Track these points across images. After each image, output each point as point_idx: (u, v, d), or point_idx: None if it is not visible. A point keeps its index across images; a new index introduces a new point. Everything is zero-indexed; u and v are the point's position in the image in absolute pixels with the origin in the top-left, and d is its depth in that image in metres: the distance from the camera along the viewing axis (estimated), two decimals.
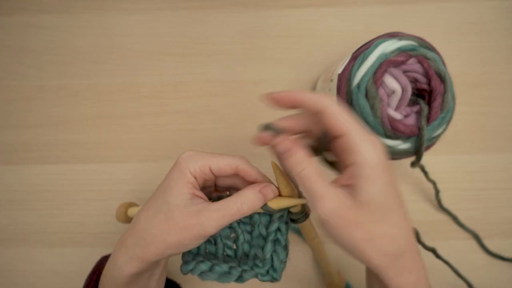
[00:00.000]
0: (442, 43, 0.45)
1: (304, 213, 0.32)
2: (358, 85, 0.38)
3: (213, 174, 0.31)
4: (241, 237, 0.33)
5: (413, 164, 0.41)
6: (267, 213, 0.31)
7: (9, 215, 0.50)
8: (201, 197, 0.30)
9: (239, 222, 0.33)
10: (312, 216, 0.33)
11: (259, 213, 0.32)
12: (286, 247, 0.32)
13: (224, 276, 0.31)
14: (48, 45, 0.53)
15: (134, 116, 0.52)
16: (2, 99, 0.52)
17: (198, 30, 0.53)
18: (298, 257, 0.49)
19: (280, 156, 0.28)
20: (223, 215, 0.28)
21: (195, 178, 0.30)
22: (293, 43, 0.53)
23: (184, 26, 0.54)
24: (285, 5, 0.54)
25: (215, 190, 0.35)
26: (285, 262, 0.32)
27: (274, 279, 0.31)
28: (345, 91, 0.39)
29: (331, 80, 0.43)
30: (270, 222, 0.32)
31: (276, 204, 0.30)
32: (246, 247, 0.33)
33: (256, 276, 0.31)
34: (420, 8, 0.53)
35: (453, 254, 0.49)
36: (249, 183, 0.31)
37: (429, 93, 0.39)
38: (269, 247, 0.31)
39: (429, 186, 0.48)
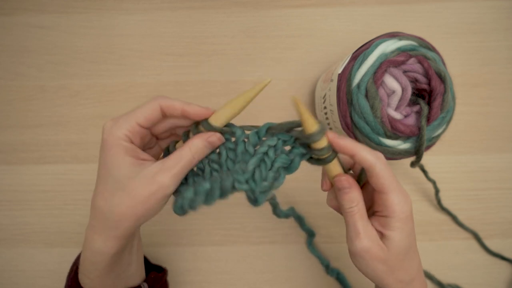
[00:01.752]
0: (442, 43, 0.45)
1: (332, 149, 0.30)
2: (358, 85, 0.38)
3: (144, 128, 0.30)
4: (224, 153, 0.31)
5: (413, 164, 0.41)
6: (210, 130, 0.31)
7: (9, 215, 0.50)
8: (147, 159, 0.30)
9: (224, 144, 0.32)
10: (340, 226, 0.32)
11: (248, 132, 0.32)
12: (276, 172, 0.30)
13: (209, 195, 0.29)
14: (48, 45, 0.53)
15: None
16: (2, 99, 0.52)
17: (198, 30, 0.53)
18: (297, 259, 0.49)
19: (338, 190, 0.31)
20: (178, 170, 0.29)
21: (131, 142, 0.30)
22: (293, 43, 0.53)
23: (184, 26, 0.54)
24: (285, 5, 0.54)
25: (157, 139, 0.34)
26: (269, 186, 0.30)
27: (252, 193, 0.29)
28: (345, 91, 0.39)
29: (331, 80, 0.43)
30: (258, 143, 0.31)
31: (217, 118, 0.31)
32: (230, 164, 0.31)
33: (233, 184, 0.29)
34: (420, 8, 0.53)
35: (453, 254, 0.49)
36: (182, 117, 0.31)
37: (429, 93, 0.39)
38: (253, 160, 0.30)
39: (429, 186, 0.48)
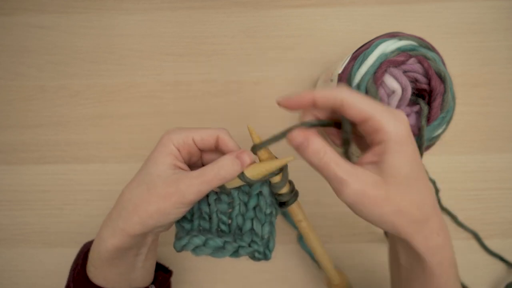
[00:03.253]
0: (442, 43, 0.45)
1: (293, 192, 0.32)
2: (358, 85, 0.38)
3: (196, 146, 0.32)
4: (236, 208, 0.33)
5: None
6: (247, 184, 0.31)
7: (9, 215, 0.50)
8: (183, 169, 0.31)
9: (238, 191, 0.33)
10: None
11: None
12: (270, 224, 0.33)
13: (218, 251, 0.31)
14: (48, 45, 0.53)
15: (134, 116, 0.52)
16: (2, 99, 0.52)
17: (198, 30, 0.53)
18: (293, 257, 0.49)
19: (298, 150, 0.27)
20: (201, 181, 0.29)
21: (179, 150, 0.31)
22: (293, 43, 0.53)
23: (184, 26, 0.54)
24: (285, 5, 0.54)
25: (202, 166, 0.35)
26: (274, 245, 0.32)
27: (266, 258, 0.32)
28: None
29: (331, 80, 0.43)
30: (250, 196, 0.33)
31: (253, 171, 0.30)
32: (240, 220, 0.33)
33: (252, 253, 0.31)
34: (420, 8, 0.54)
35: None
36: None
37: (429, 93, 0.39)
38: (267, 227, 0.32)
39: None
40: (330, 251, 0.49)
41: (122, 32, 0.53)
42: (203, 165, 0.35)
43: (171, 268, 0.41)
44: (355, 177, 0.25)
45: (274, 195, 0.33)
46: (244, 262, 0.49)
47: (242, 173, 0.31)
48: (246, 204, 0.33)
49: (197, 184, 0.29)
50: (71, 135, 0.51)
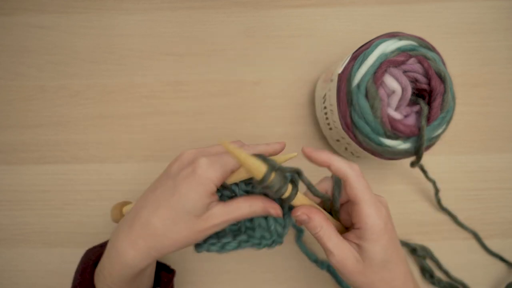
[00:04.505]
0: (442, 43, 0.45)
1: (278, 176, 0.30)
2: (358, 85, 0.38)
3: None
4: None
5: (413, 164, 0.41)
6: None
7: (9, 215, 0.50)
8: (215, 199, 0.32)
9: (238, 188, 0.34)
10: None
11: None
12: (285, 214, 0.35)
13: (235, 249, 0.34)
14: (48, 45, 0.53)
15: (134, 116, 0.52)
16: (2, 99, 0.52)
17: (198, 30, 0.53)
18: (294, 257, 0.49)
19: (302, 223, 0.33)
20: (235, 217, 0.32)
21: (216, 186, 0.31)
22: (293, 43, 0.53)
23: (184, 26, 0.54)
24: (285, 5, 0.54)
25: None
26: (287, 225, 0.35)
27: (279, 243, 0.34)
28: (345, 91, 0.39)
29: (331, 80, 0.43)
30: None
31: (233, 178, 0.32)
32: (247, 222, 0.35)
33: (262, 247, 0.34)
34: (420, 8, 0.54)
35: (453, 254, 0.49)
36: None
37: (429, 93, 0.39)
38: (271, 221, 0.34)
39: (429, 186, 0.48)
40: None
41: (122, 32, 0.53)
42: None
43: (174, 267, 0.41)
44: (339, 251, 0.31)
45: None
46: (244, 262, 0.49)
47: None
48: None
49: (231, 219, 0.32)
50: (71, 135, 0.51)
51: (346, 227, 0.35)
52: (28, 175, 0.51)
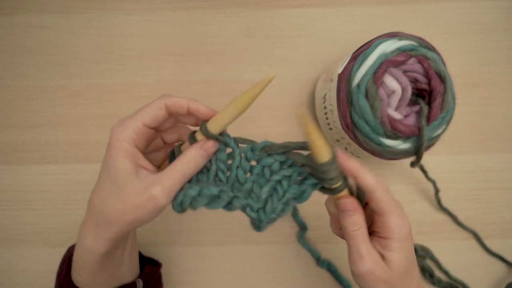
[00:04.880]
0: (442, 43, 0.45)
1: (342, 177, 0.30)
2: (358, 85, 0.38)
3: (151, 128, 0.31)
4: (237, 158, 0.31)
5: (413, 164, 0.41)
6: (213, 138, 0.30)
7: (9, 215, 0.50)
8: (146, 168, 0.30)
9: (238, 145, 0.31)
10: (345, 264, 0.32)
11: (271, 156, 0.31)
12: (286, 204, 0.31)
13: (214, 201, 0.29)
14: (48, 45, 0.53)
15: None
16: (2, 99, 0.52)
17: (198, 30, 0.53)
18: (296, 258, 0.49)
19: (343, 212, 0.31)
20: (173, 182, 0.29)
21: (135, 145, 0.30)
22: (293, 43, 0.53)
23: (184, 26, 0.54)
24: (285, 5, 0.54)
25: (164, 144, 0.35)
26: (276, 218, 0.31)
27: (259, 222, 0.30)
28: (345, 91, 0.39)
29: (331, 80, 0.43)
30: (273, 170, 0.31)
31: (214, 123, 0.30)
32: (240, 173, 0.31)
33: (244, 207, 0.30)
34: (420, 8, 0.54)
35: (453, 254, 0.49)
36: (188, 114, 0.31)
37: (429, 93, 0.39)
38: (267, 188, 0.31)
39: (429, 186, 0.48)
40: (330, 251, 0.49)
41: (122, 32, 0.53)
42: (164, 142, 0.34)
43: (171, 270, 0.41)
44: (371, 258, 0.30)
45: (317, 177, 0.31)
46: (244, 262, 0.49)
47: (205, 127, 0.30)
48: (248, 160, 0.31)
49: (170, 186, 0.28)
50: (71, 135, 0.51)
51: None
52: (28, 175, 0.51)
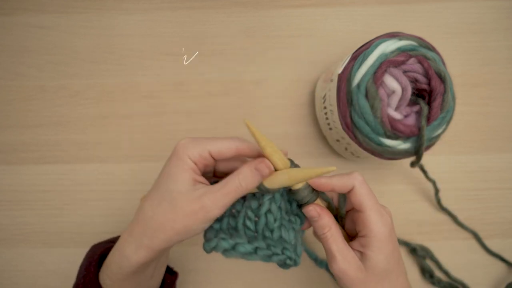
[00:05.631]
0: (442, 43, 0.45)
1: (310, 187, 0.32)
2: (358, 85, 0.38)
3: (213, 158, 0.31)
4: (266, 204, 0.32)
5: (413, 164, 0.41)
6: (263, 192, 0.31)
7: (9, 215, 0.50)
8: (202, 182, 0.31)
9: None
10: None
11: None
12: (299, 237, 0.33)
13: (249, 255, 0.31)
14: (48, 45, 0.53)
15: (134, 116, 0.52)
16: (2, 99, 0.52)
17: (198, 30, 0.53)
18: None
19: (310, 220, 0.32)
20: (224, 194, 0.29)
21: (195, 163, 0.31)
22: (293, 43, 0.53)
23: (184, 26, 0.54)
24: (285, 5, 0.54)
25: (213, 175, 0.35)
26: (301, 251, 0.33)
27: (295, 265, 0.32)
28: (345, 91, 0.39)
29: (331, 80, 0.43)
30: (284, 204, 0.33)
31: (272, 181, 0.30)
32: (270, 218, 0.31)
33: (284, 260, 0.31)
34: (420, 8, 0.54)
35: (453, 254, 0.49)
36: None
37: (429, 93, 0.39)
38: (292, 233, 0.32)
39: (429, 186, 0.48)
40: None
41: (122, 32, 0.53)
42: (214, 173, 0.35)
43: (175, 269, 0.41)
44: (343, 257, 0.31)
45: (294, 199, 0.33)
46: (244, 262, 0.49)
47: (262, 184, 0.31)
48: (276, 204, 0.32)
49: (221, 197, 0.29)
50: (71, 135, 0.51)
51: (350, 237, 0.35)
52: (28, 175, 0.51)
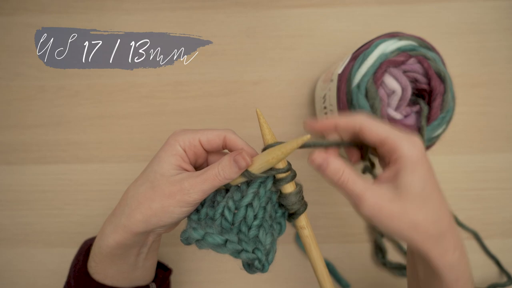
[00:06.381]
0: (442, 43, 0.45)
1: (303, 201, 0.32)
2: (358, 85, 0.38)
3: (203, 147, 0.32)
4: (250, 196, 0.31)
5: None
6: (248, 178, 0.30)
7: (9, 215, 0.50)
8: (188, 170, 0.31)
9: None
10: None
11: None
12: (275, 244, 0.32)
13: (218, 247, 0.30)
14: None
15: (134, 116, 0.52)
16: (2, 99, 0.52)
17: (198, 30, 0.53)
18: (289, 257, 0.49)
19: (318, 170, 0.29)
20: (204, 179, 0.29)
21: (185, 151, 0.31)
22: (293, 43, 0.53)
23: (184, 26, 0.54)
24: (285, 5, 0.54)
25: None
26: (273, 258, 0.32)
27: (262, 269, 0.30)
28: (345, 91, 0.39)
29: (331, 80, 0.43)
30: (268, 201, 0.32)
31: (255, 165, 0.30)
32: (250, 213, 0.30)
33: (253, 260, 0.30)
34: (420, 8, 0.54)
35: None
36: None
37: (429, 93, 0.39)
38: (269, 238, 0.31)
39: None
40: (330, 251, 0.49)
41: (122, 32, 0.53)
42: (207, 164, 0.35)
43: (170, 267, 0.41)
44: (371, 193, 0.27)
45: (282, 205, 0.32)
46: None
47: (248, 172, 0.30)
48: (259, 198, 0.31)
49: (200, 183, 0.29)
50: (71, 135, 0.51)
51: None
52: (28, 175, 0.51)
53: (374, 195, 0.27)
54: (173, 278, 0.47)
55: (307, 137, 0.28)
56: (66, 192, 0.50)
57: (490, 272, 0.49)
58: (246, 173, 0.30)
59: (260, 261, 0.30)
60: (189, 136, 0.31)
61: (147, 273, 0.36)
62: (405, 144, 0.28)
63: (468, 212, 0.49)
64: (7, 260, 0.49)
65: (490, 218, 0.50)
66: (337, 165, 0.28)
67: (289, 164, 0.32)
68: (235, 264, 0.48)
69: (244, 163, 0.29)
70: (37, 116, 0.52)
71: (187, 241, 0.31)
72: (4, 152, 0.51)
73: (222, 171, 0.29)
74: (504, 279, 0.48)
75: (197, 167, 0.34)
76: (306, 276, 0.48)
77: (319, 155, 0.29)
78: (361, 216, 0.29)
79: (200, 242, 0.30)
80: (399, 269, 0.48)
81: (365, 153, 0.33)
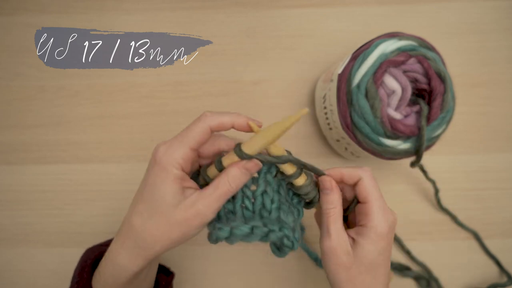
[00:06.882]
0: (442, 43, 0.45)
1: (313, 184, 0.33)
2: (358, 85, 0.38)
3: (195, 150, 0.31)
4: (261, 185, 0.32)
5: (413, 164, 0.41)
6: (242, 158, 0.30)
7: (9, 215, 0.50)
8: (191, 187, 0.30)
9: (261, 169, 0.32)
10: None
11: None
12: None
13: (247, 237, 0.30)
14: None
15: (134, 116, 0.52)
16: (2, 99, 0.52)
17: (198, 30, 0.53)
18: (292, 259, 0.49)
19: (322, 190, 0.33)
20: (217, 198, 0.29)
21: (182, 168, 0.30)
22: (293, 43, 0.53)
23: (184, 26, 0.54)
24: (285, 5, 0.54)
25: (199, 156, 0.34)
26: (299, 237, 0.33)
27: (292, 247, 0.31)
28: (345, 91, 0.39)
29: (331, 80, 0.43)
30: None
31: (250, 146, 0.30)
32: (267, 201, 0.31)
33: (282, 239, 0.30)
34: (420, 8, 0.54)
35: (453, 254, 0.49)
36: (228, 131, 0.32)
37: (429, 93, 0.39)
38: (291, 217, 0.32)
39: (429, 186, 0.48)
40: None
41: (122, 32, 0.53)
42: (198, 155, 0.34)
43: (172, 269, 0.41)
44: (338, 238, 0.31)
45: (298, 194, 0.33)
46: (244, 262, 0.49)
47: (240, 150, 0.30)
48: (271, 185, 0.32)
49: (215, 202, 0.29)
50: (71, 135, 0.51)
51: (348, 228, 0.35)
52: (28, 175, 0.51)
53: (338, 241, 0.31)
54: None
55: (304, 111, 0.29)
56: (66, 192, 0.50)
57: (490, 272, 0.49)
58: (240, 154, 0.30)
59: (288, 237, 0.30)
60: (180, 151, 0.29)
61: (152, 279, 0.36)
62: (380, 217, 0.31)
63: (468, 212, 0.49)
64: (7, 260, 0.49)
65: (490, 218, 0.50)
66: (336, 199, 0.32)
67: (289, 152, 0.32)
68: (235, 265, 0.48)
69: (256, 167, 0.31)
70: (37, 116, 0.52)
71: (216, 242, 0.30)
72: (4, 152, 0.51)
73: (233, 184, 0.30)
74: (504, 279, 0.48)
75: (192, 164, 0.33)
76: (306, 276, 0.48)
77: (331, 182, 0.33)
78: (320, 247, 0.32)
79: (230, 238, 0.30)
80: (399, 269, 0.48)
81: (350, 204, 0.35)
